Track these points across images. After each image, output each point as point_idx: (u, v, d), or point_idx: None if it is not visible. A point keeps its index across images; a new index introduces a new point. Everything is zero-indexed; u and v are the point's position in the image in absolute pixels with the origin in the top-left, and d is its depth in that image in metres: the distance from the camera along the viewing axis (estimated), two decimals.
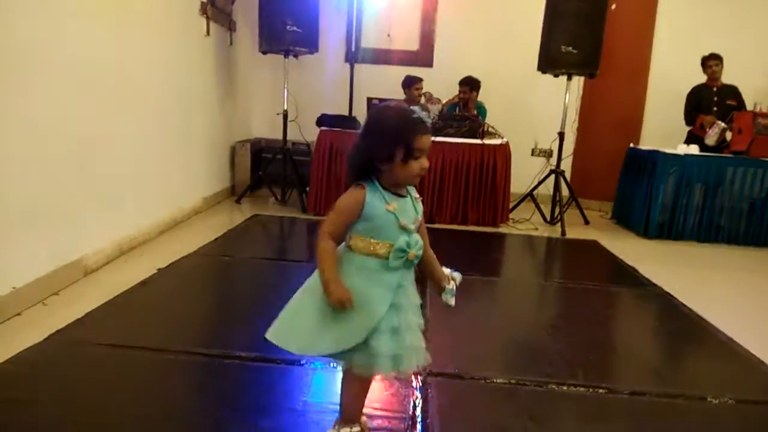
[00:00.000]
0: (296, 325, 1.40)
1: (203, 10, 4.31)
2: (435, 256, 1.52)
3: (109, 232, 3.02)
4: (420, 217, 1.43)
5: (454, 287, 1.51)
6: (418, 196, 1.45)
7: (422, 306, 1.47)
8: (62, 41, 2.53)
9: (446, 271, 1.53)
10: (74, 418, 1.59)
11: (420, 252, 1.40)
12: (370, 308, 1.34)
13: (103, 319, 2.28)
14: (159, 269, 2.89)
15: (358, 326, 1.34)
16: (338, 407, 1.52)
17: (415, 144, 1.31)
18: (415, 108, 1.36)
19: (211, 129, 4.65)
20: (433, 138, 4.97)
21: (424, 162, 1.35)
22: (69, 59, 2.58)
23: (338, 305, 1.32)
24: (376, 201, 1.35)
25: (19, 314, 2.26)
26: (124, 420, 1.59)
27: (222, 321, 2.46)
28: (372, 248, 1.35)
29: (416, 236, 1.39)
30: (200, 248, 3.33)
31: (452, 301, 1.50)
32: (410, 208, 1.40)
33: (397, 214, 1.35)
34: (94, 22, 2.79)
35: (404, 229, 1.36)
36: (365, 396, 1.52)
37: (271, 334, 1.42)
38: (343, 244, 1.40)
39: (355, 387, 1.48)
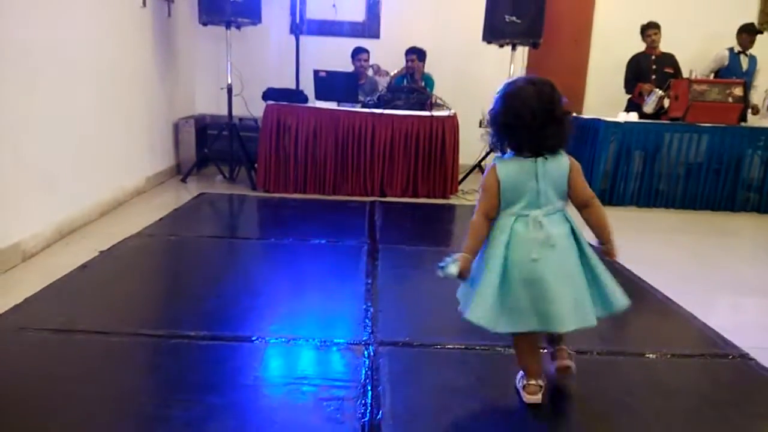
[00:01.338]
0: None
1: None
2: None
3: (47, 214, 2.90)
4: None
5: (453, 260, 1.57)
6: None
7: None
8: None
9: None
10: (16, 405, 1.55)
11: None
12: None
13: (43, 304, 2.20)
14: (101, 251, 2.80)
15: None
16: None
17: None
18: None
19: (151, 105, 4.49)
20: (381, 111, 4.97)
21: None
22: None
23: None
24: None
25: None
26: (69, 405, 1.55)
27: (169, 301, 2.42)
28: None
29: None
30: (144, 229, 3.24)
31: (448, 270, 1.56)
32: None
33: None
34: None
35: None
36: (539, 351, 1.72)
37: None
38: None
39: (531, 346, 1.69)
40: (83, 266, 2.61)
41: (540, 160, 1.53)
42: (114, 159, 3.77)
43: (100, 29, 3.56)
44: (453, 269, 1.53)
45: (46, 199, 2.90)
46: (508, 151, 1.57)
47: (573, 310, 1.54)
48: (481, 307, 1.53)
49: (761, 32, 5.23)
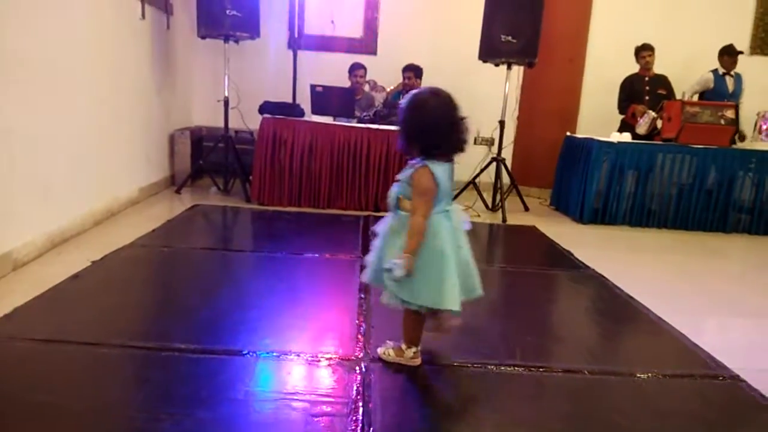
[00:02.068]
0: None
1: None
2: (409, 230, 1.80)
3: (39, 223, 2.89)
4: (401, 177, 1.87)
5: (397, 263, 1.73)
6: (413, 165, 1.83)
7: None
8: None
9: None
10: (4, 416, 1.53)
11: (388, 199, 1.91)
12: None
13: (33, 314, 2.19)
14: (93, 261, 2.79)
15: None
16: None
17: None
18: None
19: (147, 116, 4.50)
20: (377, 126, 4.97)
21: None
22: None
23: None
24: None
25: None
26: (57, 416, 1.54)
27: (160, 313, 2.40)
28: None
29: (394, 186, 1.88)
30: (137, 239, 3.23)
31: (395, 273, 1.72)
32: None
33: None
34: (18, 7, 2.64)
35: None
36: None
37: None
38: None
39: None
40: (75, 276, 2.60)
41: (450, 163, 1.83)
42: (108, 169, 3.77)
43: (99, 40, 3.57)
44: (401, 272, 1.70)
45: (39, 208, 2.89)
46: (419, 156, 1.80)
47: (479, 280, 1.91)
48: (454, 294, 1.76)
49: (741, 52, 5.29)
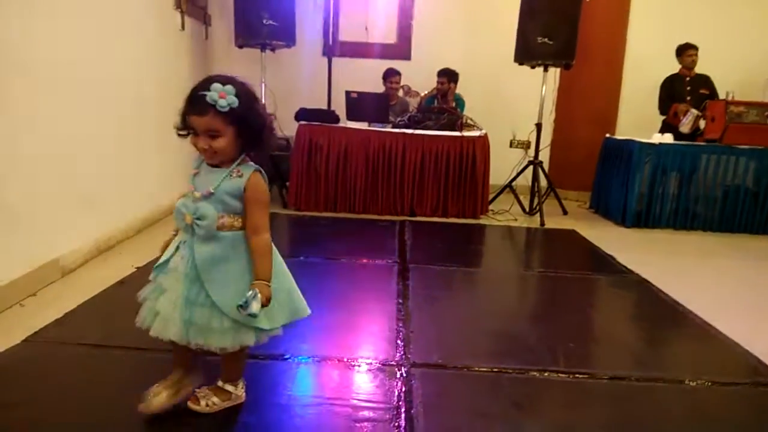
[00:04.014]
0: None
1: (177, 4, 4.26)
2: (260, 249, 1.45)
3: (86, 231, 2.98)
4: (213, 189, 1.42)
5: (246, 301, 1.36)
6: (241, 172, 1.45)
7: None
8: (36, 41, 2.48)
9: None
10: (56, 419, 1.58)
11: (200, 221, 1.40)
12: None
13: (83, 319, 2.25)
14: (137, 267, 2.86)
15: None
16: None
17: (190, 120, 1.41)
18: (213, 85, 1.36)
19: None
20: (412, 131, 4.93)
21: (199, 143, 1.41)
22: (43, 59, 2.53)
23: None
24: None
25: None
26: (106, 420, 1.58)
27: None
28: None
29: (204, 205, 1.41)
30: None
31: (253, 308, 1.36)
32: (212, 179, 1.43)
33: (194, 179, 1.47)
34: (67, 21, 2.74)
35: (192, 193, 1.44)
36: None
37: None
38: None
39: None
40: (121, 282, 2.67)
41: None
42: (150, 177, 3.86)
43: (142, 52, 3.68)
44: (257, 306, 1.37)
45: (85, 216, 2.97)
46: (235, 159, 1.47)
47: None
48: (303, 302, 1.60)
49: None
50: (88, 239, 2.99)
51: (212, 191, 1.42)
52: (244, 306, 1.36)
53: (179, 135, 1.46)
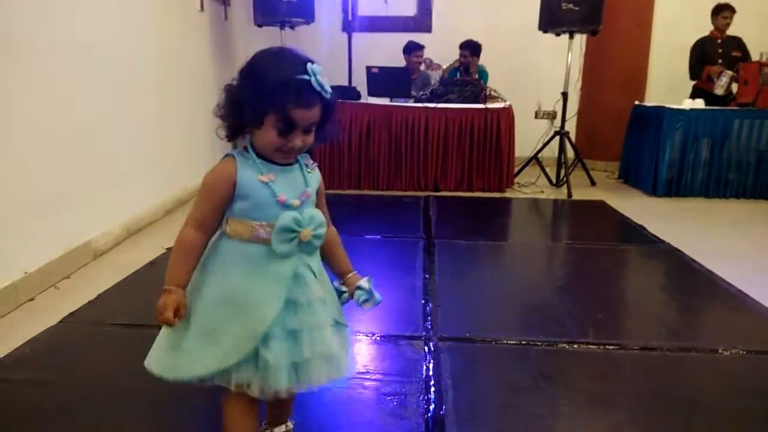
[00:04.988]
0: (167, 344, 1.15)
1: None
2: (339, 239, 1.28)
3: (116, 213, 3.04)
4: (310, 189, 1.15)
5: (371, 287, 1.22)
6: (309, 162, 1.19)
7: (344, 294, 1.24)
8: (57, 24, 2.50)
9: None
10: (92, 397, 1.62)
11: (320, 231, 1.13)
12: (256, 309, 1.08)
13: (116, 300, 2.31)
14: (167, 248, 2.91)
15: (243, 334, 1.07)
16: None
17: (292, 114, 1.04)
18: (313, 67, 1.06)
19: (210, 106, 4.54)
20: (434, 105, 4.87)
21: (296, 140, 1.08)
22: (65, 42, 2.55)
23: (158, 319, 1.08)
24: (249, 172, 1.09)
25: (32, 299, 2.28)
26: (143, 397, 1.61)
27: None
28: (253, 231, 1.10)
29: (311, 211, 1.13)
30: None
31: (369, 305, 1.21)
32: (296, 179, 1.14)
33: (273, 186, 1.09)
34: (88, 3, 2.75)
35: (284, 204, 1.09)
36: (255, 427, 1.21)
37: (148, 362, 1.18)
38: (220, 231, 1.15)
39: (240, 414, 1.17)
40: (152, 263, 2.72)
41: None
42: (176, 159, 3.90)
43: (163, 35, 3.68)
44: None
45: (115, 199, 3.03)
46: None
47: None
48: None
49: None
50: (118, 222, 3.04)
51: (309, 192, 1.15)
52: (369, 293, 1.20)
53: (246, 132, 1.14)
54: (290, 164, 1.15)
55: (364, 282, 1.22)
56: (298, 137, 1.08)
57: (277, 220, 1.08)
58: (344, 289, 1.24)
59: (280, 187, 1.10)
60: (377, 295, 1.21)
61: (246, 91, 1.07)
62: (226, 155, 1.14)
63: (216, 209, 1.12)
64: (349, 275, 1.26)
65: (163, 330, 1.17)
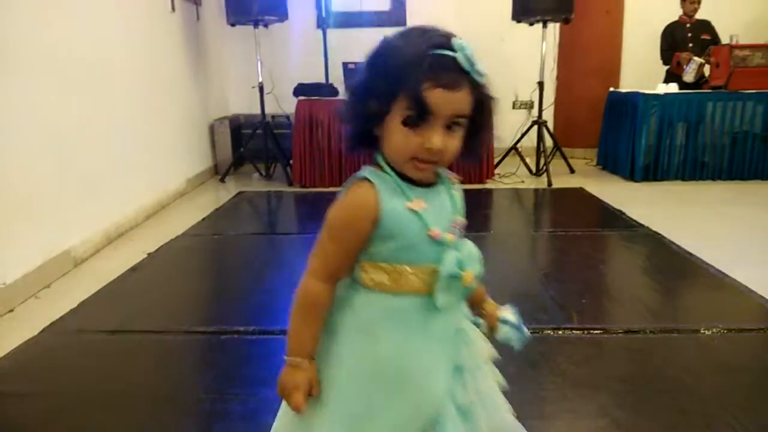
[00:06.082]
0: None
1: None
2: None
3: (95, 221, 2.99)
4: (459, 215, 0.88)
5: (519, 320, 1.01)
6: (454, 176, 0.91)
7: (479, 327, 0.99)
8: (23, 26, 2.45)
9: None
10: (78, 406, 1.60)
11: (481, 271, 0.87)
12: (419, 384, 0.83)
13: (98, 307, 2.28)
14: (149, 253, 2.87)
15: (405, 421, 0.83)
16: None
17: (426, 98, 0.75)
18: (456, 41, 0.80)
19: (186, 108, 4.57)
20: None
21: (434, 138, 0.77)
22: (31, 48, 2.50)
23: (286, 402, 0.85)
24: (394, 200, 0.80)
25: (11, 310, 2.24)
26: (129, 403, 1.60)
27: (217, 298, 2.47)
28: (403, 281, 0.82)
29: (469, 247, 0.86)
30: (188, 229, 3.31)
31: (518, 344, 1.00)
32: (444, 204, 0.86)
33: (425, 217, 0.81)
34: (55, 4, 2.70)
35: (436, 240, 0.81)
36: None
37: None
38: (349, 280, 0.86)
39: None
40: (133, 269, 2.68)
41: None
42: (155, 163, 3.85)
43: (133, 37, 3.63)
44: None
45: (92, 206, 2.98)
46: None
47: None
48: None
49: None
50: (97, 229, 3.00)
51: (461, 221, 0.88)
52: (518, 329, 1.00)
53: (372, 139, 0.83)
54: (431, 184, 0.86)
55: (509, 315, 0.99)
56: (438, 134, 0.77)
57: (433, 263, 0.81)
58: (479, 320, 0.98)
59: (430, 217, 0.81)
60: (526, 331, 0.99)
61: (371, 77, 0.82)
62: (358, 177, 0.83)
63: (350, 256, 0.83)
64: (486, 304, 1.01)
65: (287, 417, 0.89)
